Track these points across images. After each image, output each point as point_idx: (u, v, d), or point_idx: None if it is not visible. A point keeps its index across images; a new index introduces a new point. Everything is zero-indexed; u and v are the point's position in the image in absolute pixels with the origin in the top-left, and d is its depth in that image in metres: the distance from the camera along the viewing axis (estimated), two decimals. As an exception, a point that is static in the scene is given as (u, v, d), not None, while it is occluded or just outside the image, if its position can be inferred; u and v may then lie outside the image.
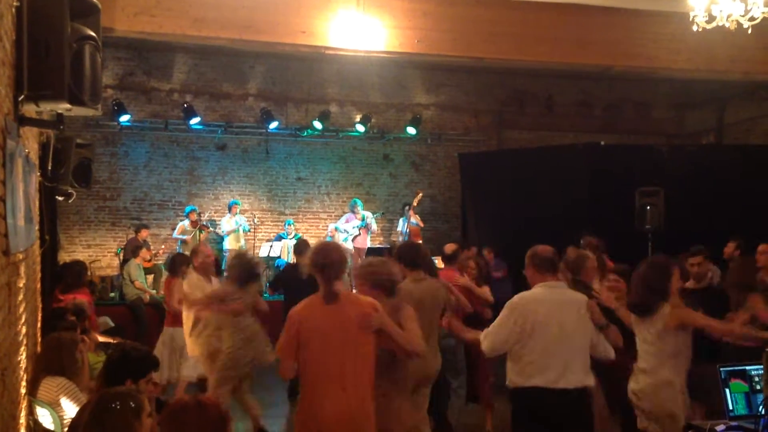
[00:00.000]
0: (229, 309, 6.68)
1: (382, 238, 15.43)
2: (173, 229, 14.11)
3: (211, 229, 14.42)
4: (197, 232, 13.67)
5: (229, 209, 14.32)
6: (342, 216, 15.49)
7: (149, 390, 4.00)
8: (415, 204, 14.42)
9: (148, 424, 3.19)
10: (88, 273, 8.90)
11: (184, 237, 13.67)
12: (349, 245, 13.71)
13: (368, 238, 14.40)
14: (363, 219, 14.42)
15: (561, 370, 4.60)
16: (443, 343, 6.46)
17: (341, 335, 4.19)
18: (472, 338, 5.27)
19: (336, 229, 14.63)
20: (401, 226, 14.49)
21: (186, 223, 13.78)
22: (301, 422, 4.27)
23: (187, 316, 7.30)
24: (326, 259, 4.28)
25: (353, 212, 14.58)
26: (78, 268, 8.73)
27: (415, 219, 14.42)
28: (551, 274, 4.84)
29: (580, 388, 4.64)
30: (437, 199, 16.42)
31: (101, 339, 7.41)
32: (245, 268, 6.89)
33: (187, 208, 14.01)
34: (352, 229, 14.35)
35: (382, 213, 15.58)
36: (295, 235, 14.48)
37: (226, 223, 14.13)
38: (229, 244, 14.04)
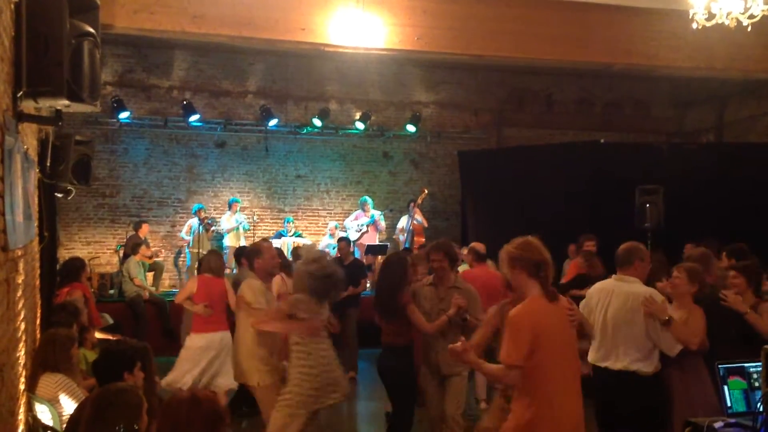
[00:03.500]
0: (305, 328, 5.65)
1: (384, 236, 15.42)
2: (173, 226, 14.11)
3: (214, 227, 14.44)
4: (203, 230, 13.67)
5: (229, 207, 14.32)
6: (343, 213, 15.54)
7: (139, 380, 4.03)
8: (419, 202, 14.41)
9: (146, 419, 3.21)
10: (87, 270, 8.80)
11: (188, 239, 13.70)
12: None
13: (377, 236, 14.38)
14: (372, 217, 14.41)
15: (607, 352, 5.27)
16: None
17: (566, 334, 4.10)
18: None
19: (336, 227, 14.63)
20: (404, 223, 14.46)
21: (195, 221, 13.77)
22: (541, 428, 3.97)
23: (246, 327, 6.25)
24: (540, 257, 4.09)
25: (363, 210, 14.57)
26: (74, 262, 8.75)
27: (419, 217, 14.40)
28: (620, 268, 5.42)
29: (625, 371, 5.15)
30: (437, 197, 16.42)
31: (100, 336, 7.41)
32: (326, 280, 5.74)
33: (195, 207, 14.03)
34: (358, 227, 14.35)
35: (390, 210, 15.56)
36: (295, 232, 14.48)
37: (226, 221, 14.13)
38: (229, 241, 14.08)
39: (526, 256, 4.08)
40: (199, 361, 7.56)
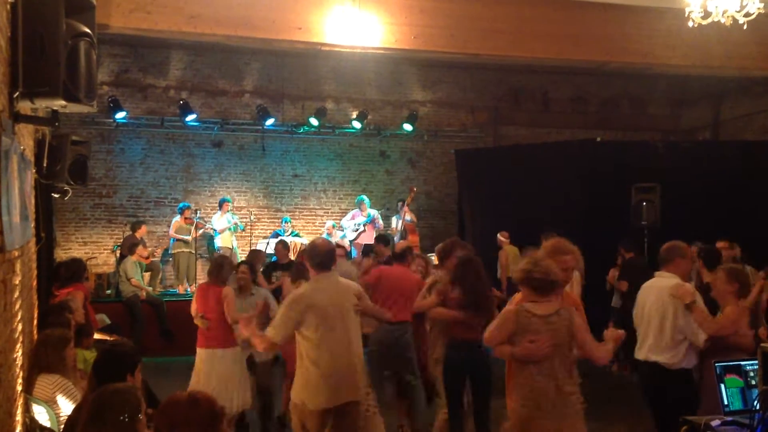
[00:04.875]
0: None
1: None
2: (169, 226, 14.08)
3: (208, 226, 14.42)
4: (192, 229, 13.64)
5: (220, 206, 14.24)
6: (340, 212, 15.54)
7: (138, 381, 4.03)
8: (409, 201, 14.40)
9: (145, 420, 3.20)
10: (86, 271, 8.75)
11: (186, 237, 13.60)
12: (347, 243, 13.71)
13: (374, 235, 14.35)
14: (369, 216, 14.40)
15: (639, 343, 5.69)
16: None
17: None
18: None
19: (333, 226, 14.62)
20: (396, 223, 14.46)
21: (179, 219, 13.72)
22: None
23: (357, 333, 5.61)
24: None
25: (360, 209, 14.57)
26: (74, 264, 8.72)
27: (410, 215, 14.40)
28: (662, 266, 5.74)
29: (650, 362, 5.50)
30: (433, 196, 16.43)
31: (97, 336, 7.40)
32: None
33: (181, 205, 13.97)
34: (355, 226, 14.34)
35: (387, 209, 15.56)
36: (292, 232, 14.47)
37: (217, 221, 14.11)
38: (221, 242, 13.99)
39: None
40: (208, 381, 6.87)
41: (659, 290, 5.56)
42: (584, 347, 4.43)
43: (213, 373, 6.90)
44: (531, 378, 4.42)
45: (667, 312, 5.45)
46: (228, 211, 14.13)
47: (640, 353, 5.67)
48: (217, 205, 14.91)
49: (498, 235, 12.34)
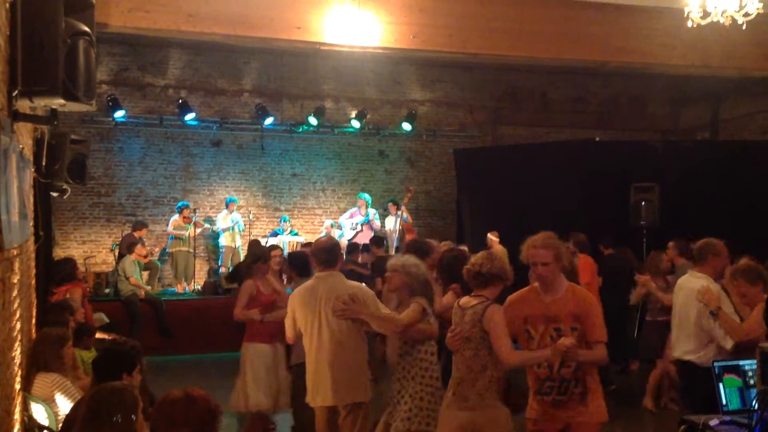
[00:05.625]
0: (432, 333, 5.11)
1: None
2: (168, 224, 14.08)
3: (207, 225, 14.42)
4: (192, 228, 13.67)
5: (227, 206, 14.29)
6: (339, 211, 15.53)
7: (137, 381, 4.04)
8: (406, 201, 14.39)
9: (142, 418, 3.20)
10: (78, 269, 8.76)
11: (183, 233, 13.63)
12: (345, 242, 13.71)
13: (371, 235, 14.34)
14: (367, 215, 14.40)
15: (674, 342, 5.83)
16: None
17: None
18: None
19: (332, 225, 14.62)
20: (393, 224, 14.37)
21: (177, 217, 13.74)
22: None
23: (352, 335, 5.27)
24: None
25: (359, 207, 14.56)
26: (67, 264, 8.76)
27: (406, 215, 14.38)
28: (695, 264, 5.80)
29: (683, 360, 5.60)
30: (432, 195, 16.43)
31: (96, 335, 7.39)
32: (429, 284, 5.23)
33: (180, 204, 13.98)
34: (353, 225, 14.34)
35: (385, 208, 15.55)
36: (291, 231, 14.48)
37: (222, 221, 14.12)
38: (224, 240, 14.08)
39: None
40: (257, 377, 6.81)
41: (688, 291, 5.61)
42: (493, 345, 4.32)
43: (263, 369, 6.80)
44: (454, 367, 4.51)
45: (691, 312, 5.52)
46: (234, 211, 14.16)
47: (675, 352, 5.77)
48: (215, 204, 14.95)
49: (488, 234, 12.47)
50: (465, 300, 4.54)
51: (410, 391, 4.91)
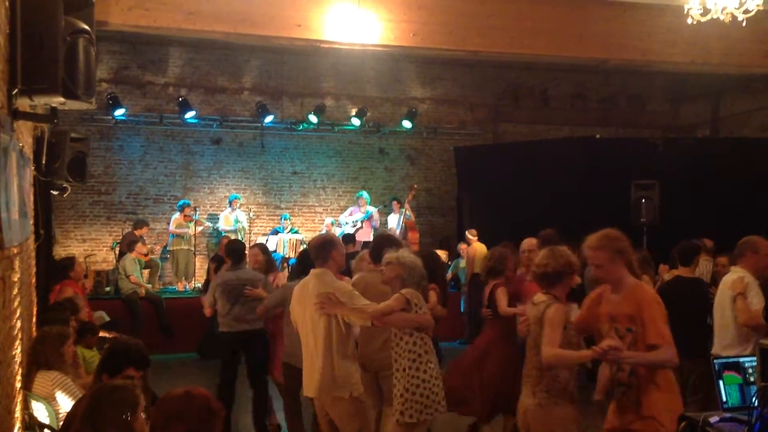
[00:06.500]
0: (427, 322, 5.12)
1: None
2: (168, 223, 14.09)
3: (208, 224, 14.42)
4: (192, 226, 13.66)
5: (230, 204, 14.31)
6: (339, 209, 15.53)
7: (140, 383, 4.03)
8: (409, 198, 14.40)
9: (143, 418, 3.19)
10: (75, 268, 8.75)
11: (185, 231, 13.64)
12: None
13: (371, 232, 14.37)
14: (367, 212, 14.41)
15: (714, 339, 5.85)
16: None
17: None
18: None
19: (332, 223, 14.62)
20: (396, 222, 14.41)
21: (178, 216, 13.74)
22: None
23: (337, 328, 5.37)
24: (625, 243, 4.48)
25: (358, 204, 14.58)
26: (64, 261, 8.79)
27: (409, 213, 14.40)
28: (736, 261, 5.92)
29: (717, 356, 5.47)
30: (433, 193, 16.43)
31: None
32: (424, 279, 5.23)
33: (180, 202, 13.98)
34: (353, 222, 14.34)
35: (384, 206, 15.58)
36: (291, 229, 14.48)
37: (224, 221, 14.15)
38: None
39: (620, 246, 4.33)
40: None
41: (723, 285, 5.73)
42: (543, 340, 4.35)
43: None
44: (527, 361, 4.63)
45: (725, 306, 5.61)
46: (237, 209, 14.17)
47: (714, 348, 5.77)
48: (216, 202, 14.96)
49: (466, 232, 12.75)
50: (537, 296, 4.61)
51: (403, 383, 4.97)
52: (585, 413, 4.58)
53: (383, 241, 6.01)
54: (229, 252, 7.77)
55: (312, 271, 5.38)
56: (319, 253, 5.36)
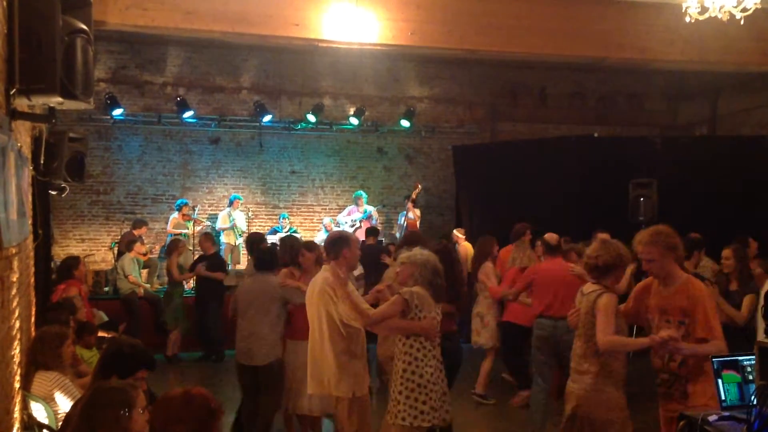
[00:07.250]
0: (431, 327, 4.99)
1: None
2: (167, 223, 14.08)
3: (207, 223, 14.41)
4: (191, 225, 13.66)
5: (230, 204, 14.30)
6: (338, 209, 15.53)
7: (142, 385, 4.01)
8: (414, 197, 14.41)
9: (142, 419, 3.17)
10: (79, 268, 8.74)
11: (184, 230, 13.64)
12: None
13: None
14: (366, 212, 14.41)
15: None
16: None
17: None
18: None
19: (331, 222, 14.62)
20: (401, 219, 14.49)
21: (176, 215, 13.74)
22: None
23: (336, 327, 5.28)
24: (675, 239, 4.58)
25: (356, 204, 14.58)
26: (69, 261, 8.78)
27: (412, 212, 14.40)
28: None
29: (762, 343, 5.61)
30: (431, 192, 16.42)
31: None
32: (440, 281, 5.11)
33: (179, 202, 13.98)
34: (351, 222, 14.34)
35: (384, 205, 15.56)
36: (290, 228, 14.47)
37: (221, 220, 14.16)
38: (225, 238, 14.07)
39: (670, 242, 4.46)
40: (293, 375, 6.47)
41: None
42: (596, 328, 4.48)
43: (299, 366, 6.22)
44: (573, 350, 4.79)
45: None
46: (237, 209, 14.16)
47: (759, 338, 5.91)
48: (214, 201, 14.94)
49: (454, 231, 12.73)
50: (587, 286, 4.74)
51: (397, 385, 4.98)
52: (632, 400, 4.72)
53: (407, 239, 6.33)
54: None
55: (323, 266, 5.44)
56: (331, 248, 5.37)
